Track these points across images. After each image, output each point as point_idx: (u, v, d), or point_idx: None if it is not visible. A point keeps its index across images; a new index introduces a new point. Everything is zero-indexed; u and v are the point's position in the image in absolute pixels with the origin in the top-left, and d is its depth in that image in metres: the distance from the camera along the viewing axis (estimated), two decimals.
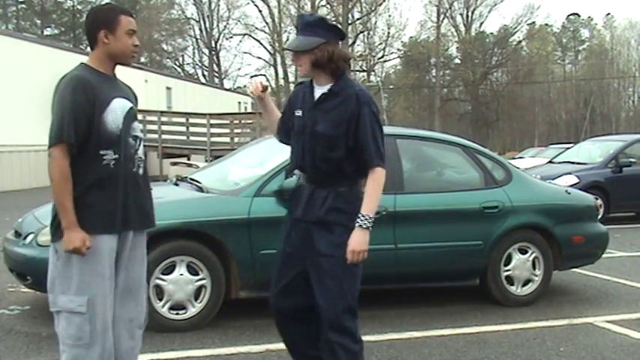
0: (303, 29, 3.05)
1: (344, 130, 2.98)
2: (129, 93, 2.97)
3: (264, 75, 3.37)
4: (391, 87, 60.38)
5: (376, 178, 2.98)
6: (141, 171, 2.93)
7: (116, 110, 2.80)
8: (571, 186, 8.56)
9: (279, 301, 3.16)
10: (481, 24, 57.67)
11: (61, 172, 2.67)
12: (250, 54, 73.18)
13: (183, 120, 22.33)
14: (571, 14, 71.40)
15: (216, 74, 54.83)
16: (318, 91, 3.08)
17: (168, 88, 30.86)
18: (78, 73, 2.78)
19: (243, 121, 22.39)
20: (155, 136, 21.00)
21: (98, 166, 2.75)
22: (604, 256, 6.18)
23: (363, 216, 2.95)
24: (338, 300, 2.99)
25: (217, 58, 54.54)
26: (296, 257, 3.09)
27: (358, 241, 2.94)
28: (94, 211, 2.74)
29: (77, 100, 2.69)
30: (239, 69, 73.85)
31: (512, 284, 5.53)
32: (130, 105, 2.90)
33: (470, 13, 55.43)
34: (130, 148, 2.87)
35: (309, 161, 3.04)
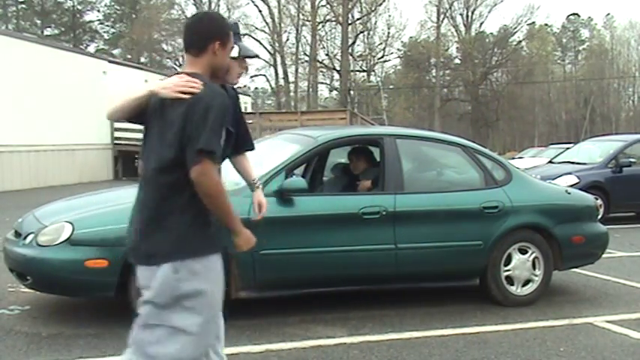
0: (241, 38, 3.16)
1: None
2: None
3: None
4: (391, 87, 60.39)
5: None
6: None
7: None
8: (571, 186, 8.55)
9: None
10: (481, 24, 57.73)
11: (218, 183, 2.53)
12: None
13: None
14: (571, 14, 71.58)
15: None
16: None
17: None
18: (221, 89, 2.69)
19: None
20: None
21: None
22: (604, 256, 6.18)
23: None
24: None
25: None
26: None
27: None
28: (214, 230, 2.66)
29: (224, 118, 2.61)
30: None
31: (512, 284, 5.53)
32: None
33: (470, 13, 55.46)
34: None
35: None
